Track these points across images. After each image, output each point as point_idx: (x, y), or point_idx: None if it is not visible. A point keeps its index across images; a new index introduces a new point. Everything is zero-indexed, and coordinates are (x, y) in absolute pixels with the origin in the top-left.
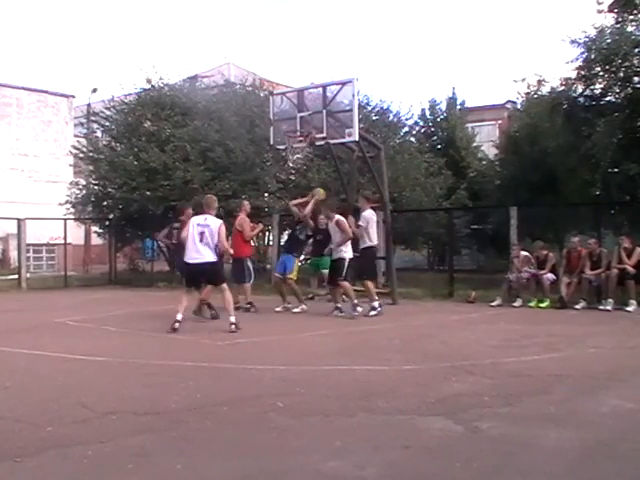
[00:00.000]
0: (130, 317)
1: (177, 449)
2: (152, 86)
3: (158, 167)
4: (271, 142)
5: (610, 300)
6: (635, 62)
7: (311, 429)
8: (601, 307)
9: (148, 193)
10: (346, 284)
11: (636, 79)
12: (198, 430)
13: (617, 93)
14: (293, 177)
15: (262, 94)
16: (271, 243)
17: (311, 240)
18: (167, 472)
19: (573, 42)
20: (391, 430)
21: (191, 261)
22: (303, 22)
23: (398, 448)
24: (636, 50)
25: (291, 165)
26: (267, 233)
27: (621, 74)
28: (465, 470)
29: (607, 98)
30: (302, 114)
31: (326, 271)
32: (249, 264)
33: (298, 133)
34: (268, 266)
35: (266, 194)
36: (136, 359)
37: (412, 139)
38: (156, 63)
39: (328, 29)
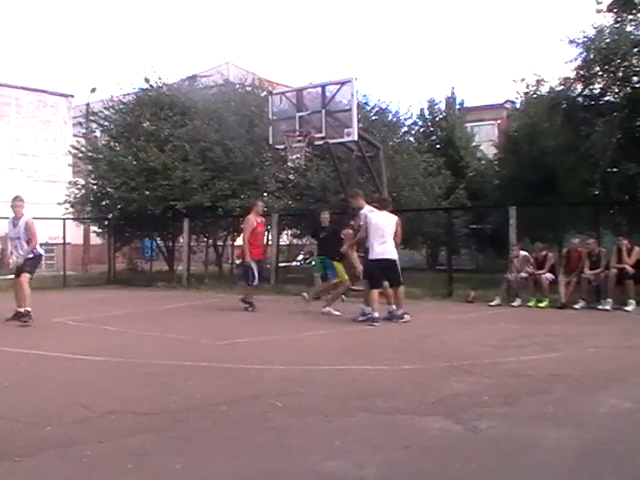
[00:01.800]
0: (130, 317)
1: (176, 449)
2: (150, 86)
3: (157, 167)
4: (270, 142)
5: (609, 300)
6: (634, 62)
7: (310, 429)
8: (600, 307)
9: (147, 193)
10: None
11: (635, 79)
12: (197, 430)
13: (616, 93)
14: (292, 177)
15: (261, 94)
16: (270, 243)
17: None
18: (166, 472)
19: (572, 42)
20: (390, 430)
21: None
22: (303, 22)
23: (397, 448)
24: (635, 50)
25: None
26: (266, 233)
27: (620, 74)
28: (464, 470)
29: (606, 98)
30: (301, 114)
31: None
32: (253, 266)
33: (297, 133)
34: (268, 266)
35: (265, 194)
36: (136, 359)
37: (411, 139)
38: (155, 63)
39: (328, 29)
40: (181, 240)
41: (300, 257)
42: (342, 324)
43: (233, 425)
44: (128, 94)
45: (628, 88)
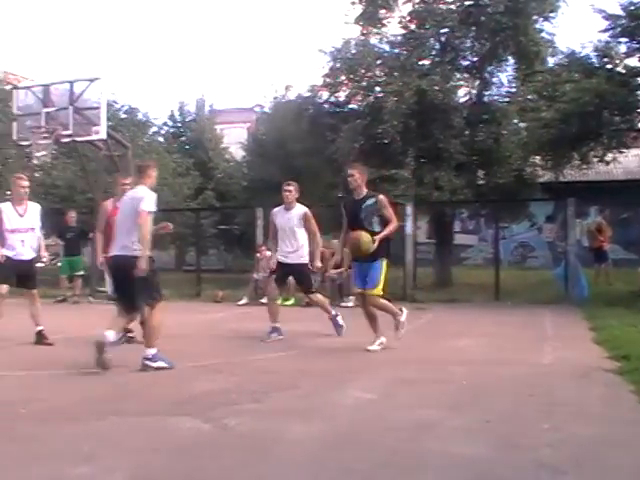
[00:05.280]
0: None
1: None
2: None
3: None
4: (14, 138)
5: (351, 297)
6: (377, 72)
7: (58, 436)
8: (343, 304)
9: None
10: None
11: (377, 89)
12: None
13: (360, 101)
14: (37, 175)
15: (6, 87)
16: None
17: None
18: None
19: (321, 51)
20: (141, 432)
21: None
22: (52, 16)
23: (148, 450)
24: (378, 62)
25: (36, 162)
26: None
27: (364, 83)
28: (214, 467)
29: (350, 105)
30: (48, 110)
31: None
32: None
33: (43, 129)
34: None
35: (8, 192)
36: None
37: (160, 139)
38: None
39: (77, 25)
40: None
41: (45, 258)
42: (83, 327)
43: None
44: None
45: (371, 97)
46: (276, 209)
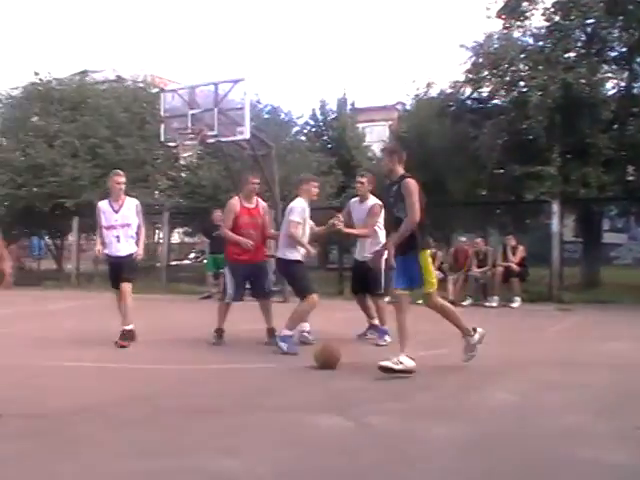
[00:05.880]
0: (15, 316)
1: (64, 452)
2: (40, 79)
3: (45, 163)
4: (162, 139)
5: (495, 297)
6: (521, 67)
7: (203, 428)
8: (487, 304)
9: (35, 190)
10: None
11: (521, 83)
12: (87, 432)
13: (503, 96)
14: (184, 175)
15: (153, 91)
16: (161, 241)
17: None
18: (50, 476)
19: (462, 46)
20: (282, 428)
21: None
22: (195, 20)
23: (289, 445)
24: (522, 55)
25: (183, 162)
26: (157, 231)
27: (507, 78)
28: (356, 465)
29: (494, 101)
30: (193, 111)
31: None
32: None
33: (189, 130)
34: (158, 264)
35: (156, 192)
36: (15, 360)
37: (303, 138)
38: (45, 56)
39: (221, 27)
40: (70, 238)
41: (192, 255)
42: (227, 324)
43: (125, 426)
44: (16, 87)
45: (515, 92)
46: (353, 200)
